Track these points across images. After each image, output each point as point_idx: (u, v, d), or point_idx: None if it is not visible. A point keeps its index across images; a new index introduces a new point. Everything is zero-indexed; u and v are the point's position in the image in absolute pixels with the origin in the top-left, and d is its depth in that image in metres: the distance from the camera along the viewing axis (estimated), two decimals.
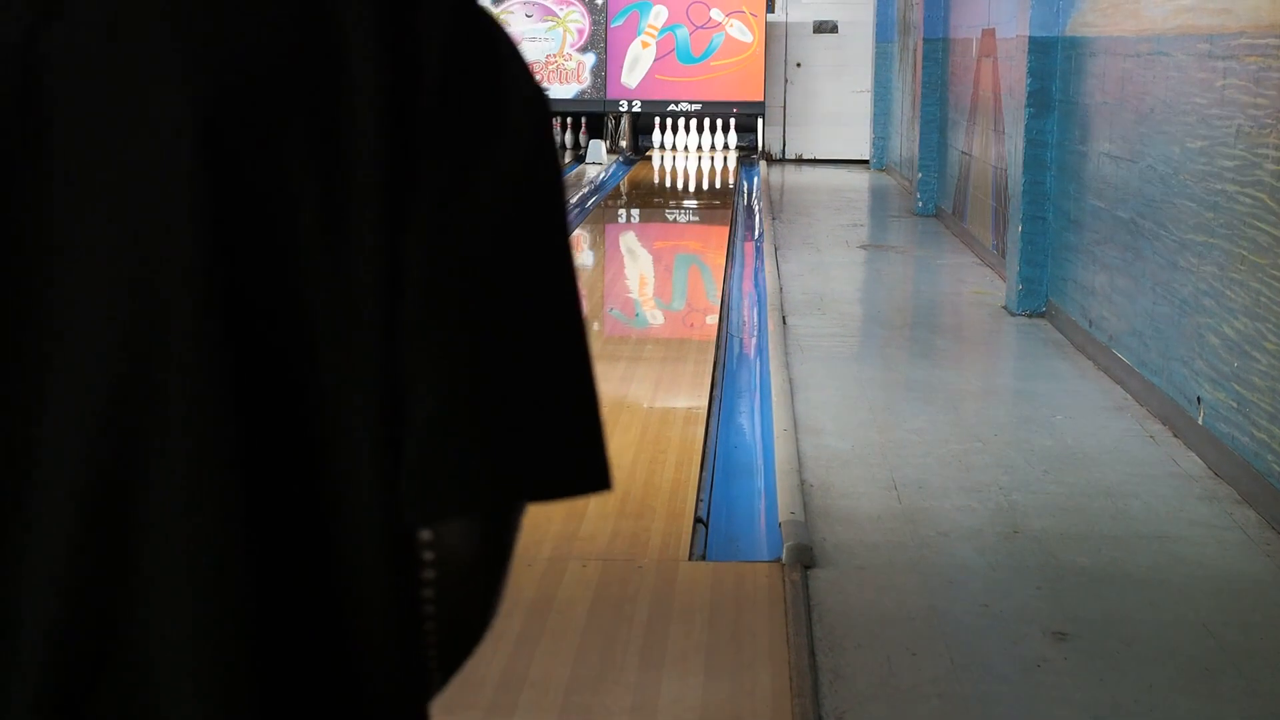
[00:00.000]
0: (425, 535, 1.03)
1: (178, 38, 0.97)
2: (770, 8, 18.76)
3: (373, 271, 0.99)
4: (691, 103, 18.48)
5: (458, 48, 1.03)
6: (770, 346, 7.19)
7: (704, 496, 4.99)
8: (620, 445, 5.52)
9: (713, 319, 8.25)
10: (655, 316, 8.93)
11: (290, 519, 0.99)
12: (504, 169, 1.02)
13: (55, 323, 0.96)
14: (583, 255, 11.62)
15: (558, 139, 0.92)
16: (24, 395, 0.97)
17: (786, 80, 19.08)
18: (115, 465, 0.96)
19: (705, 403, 6.23)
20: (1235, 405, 5.10)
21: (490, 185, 1.01)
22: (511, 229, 1.02)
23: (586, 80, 18.48)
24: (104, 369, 0.96)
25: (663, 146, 18.80)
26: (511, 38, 1.08)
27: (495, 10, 18.53)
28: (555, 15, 18.47)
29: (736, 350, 7.48)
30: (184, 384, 0.96)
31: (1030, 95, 8.17)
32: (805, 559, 4.28)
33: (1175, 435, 5.74)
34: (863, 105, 18.52)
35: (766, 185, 15.58)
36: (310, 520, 0.99)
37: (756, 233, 12.04)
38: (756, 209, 13.70)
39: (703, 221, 13.89)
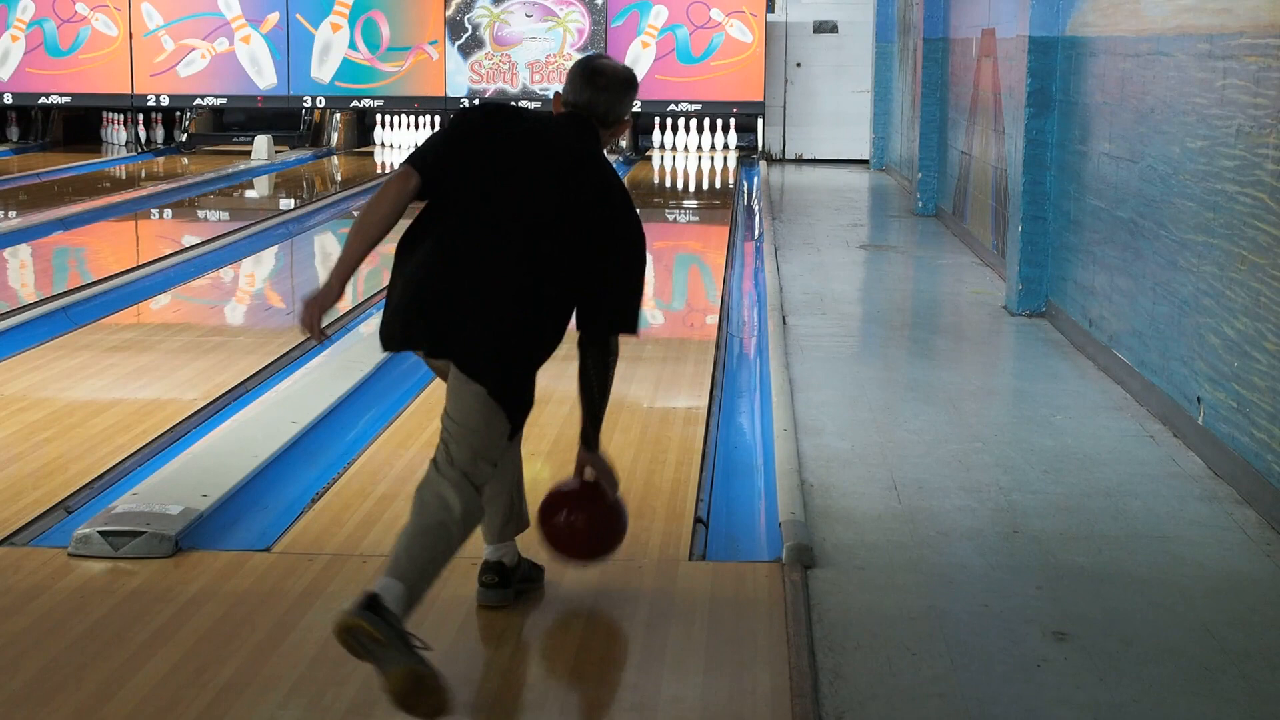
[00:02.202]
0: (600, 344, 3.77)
1: (548, 158, 3.72)
2: (770, 8, 18.76)
3: (578, 256, 3.67)
4: (691, 103, 18.48)
5: (605, 177, 3.78)
6: (770, 346, 7.19)
7: (704, 496, 4.99)
8: (620, 445, 5.52)
9: (713, 319, 8.25)
10: (655, 316, 8.93)
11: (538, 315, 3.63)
12: (626, 226, 3.75)
13: (503, 215, 3.63)
14: None
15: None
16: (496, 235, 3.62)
17: (786, 80, 19.09)
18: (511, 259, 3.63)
19: (705, 403, 6.23)
20: (1235, 405, 5.10)
21: (623, 232, 3.74)
22: (629, 249, 3.74)
23: None
24: (515, 238, 3.61)
25: (663, 146, 18.80)
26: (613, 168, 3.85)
27: (495, 10, 18.52)
28: (555, 15, 18.47)
29: (736, 350, 7.48)
30: (521, 253, 3.61)
31: (1030, 95, 8.17)
32: (805, 559, 4.28)
33: (1175, 435, 5.74)
34: (863, 105, 18.52)
35: (766, 185, 15.58)
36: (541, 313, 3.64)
37: (756, 233, 12.04)
38: (756, 209, 13.70)
39: (703, 221, 13.89)
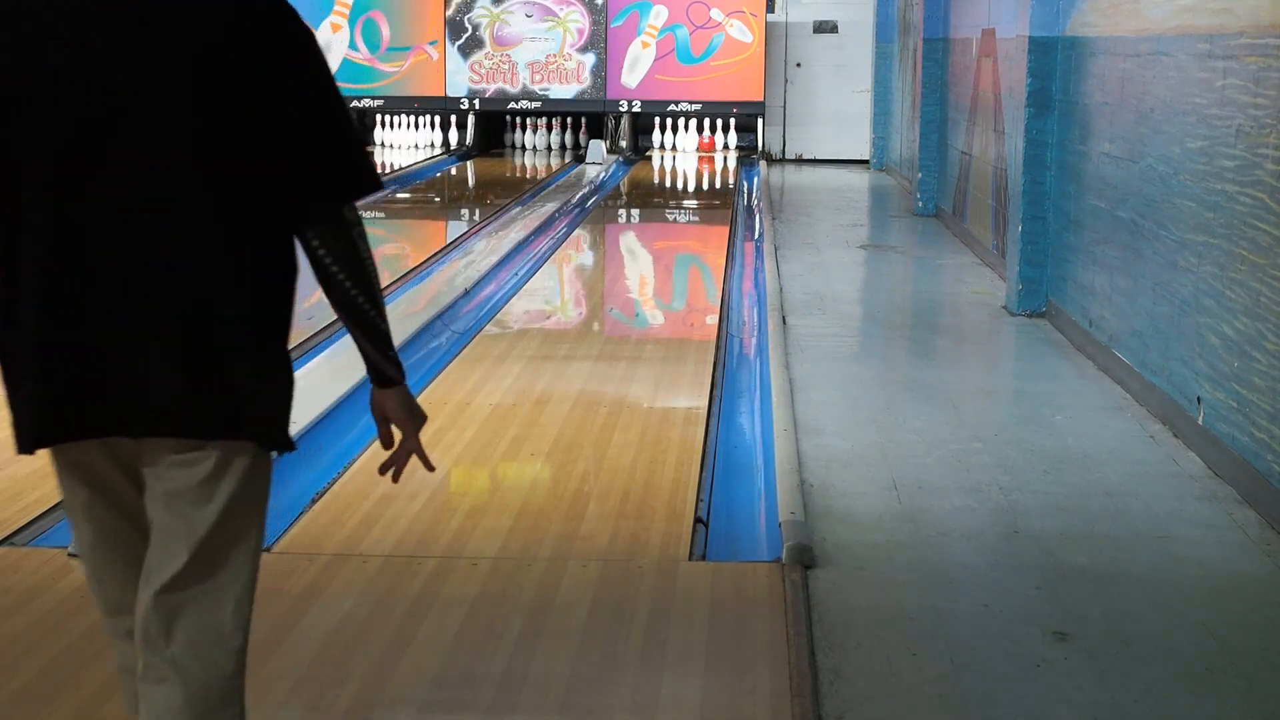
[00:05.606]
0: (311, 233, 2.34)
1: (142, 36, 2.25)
2: (770, 8, 18.76)
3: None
4: (691, 103, 18.48)
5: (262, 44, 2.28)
6: (770, 346, 7.19)
7: (704, 496, 4.99)
8: (620, 445, 5.52)
9: (713, 319, 8.25)
10: (655, 316, 8.93)
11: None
12: (307, 79, 2.32)
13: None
14: (583, 255, 11.63)
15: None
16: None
17: (786, 80, 19.09)
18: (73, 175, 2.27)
19: (705, 403, 6.23)
20: (1235, 405, 5.10)
21: (306, 87, 2.33)
22: (318, 94, 2.32)
23: (586, 80, 18.48)
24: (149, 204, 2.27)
25: (663, 146, 18.80)
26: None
27: (495, 10, 18.51)
28: (555, 15, 18.47)
29: (736, 350, 7.48)
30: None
31: (1030, 95, 8.17)
32: (805, 559, 4.28)
33: (1175, 435, 5.74)
34: (863, 105, 18.52)
35: (766, 185, 15.58)
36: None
37: (756, 233, 12.04)
38: (756, 209, 13.70)
39: (703, 221, 13.89)
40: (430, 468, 2.60)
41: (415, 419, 2.51)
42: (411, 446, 2.52)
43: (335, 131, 2.34)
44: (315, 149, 2.32)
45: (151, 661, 2.33)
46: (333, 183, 2.33)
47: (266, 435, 2.36)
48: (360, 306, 2.36)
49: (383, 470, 2.53)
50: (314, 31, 2.35)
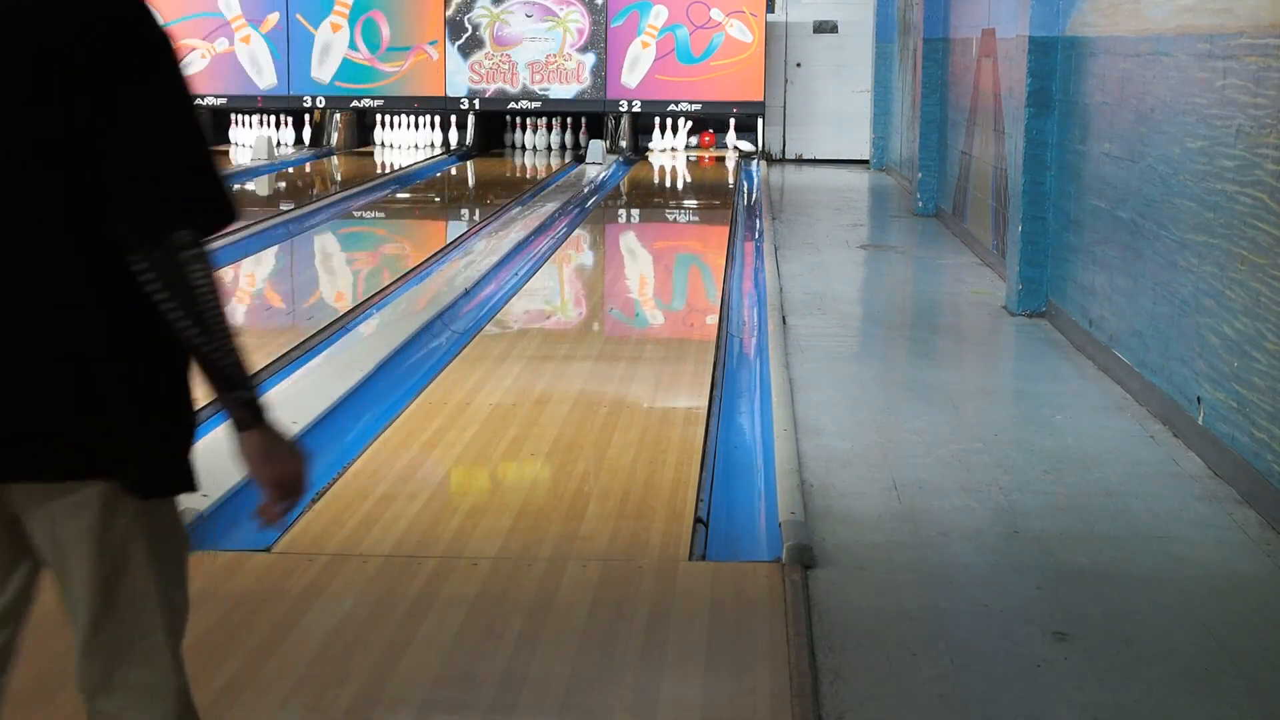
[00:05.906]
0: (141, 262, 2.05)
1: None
2: (770, 8, 18.75)
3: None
4: (691, 103, 18.48)
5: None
6: (770, 346, 7.19)
7: (704, 496, 4.99)
8: (620, 445, 5.52)
9: (713, 319, 8.25)
10: (655, 316, 8.93)
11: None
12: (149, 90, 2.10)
13: None
14: (583, 255, 11.63)
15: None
16: None
17: (786, 80, 19.08)
18: None
19: (705, 403, 6.23)
20: (1235, 405, 5.10)
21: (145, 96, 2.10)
22: (155, 102, 2.10)
23: (586, 80, 18.48)
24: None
25: (662, 146, 18.79)
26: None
27: (495, 10, 18.50)
28: (555, 15, 18.46)
29: (736, 350, 7.48)
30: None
31: (1030, 95, 8.17)
32: (805, 559, 4.28)
33: (1175, 435, 5.74)
34: (863, 105, 18.52)
35: (766, 185, 15.58)
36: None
37: (756, 233, 12.04)
38: (756, 209, 13.70)
39: (703, 221, 13.89)
40: (274, 521, 2.27)
41: (271, 466, 2.19)
42: (265, 499, 2.22)
43: (174, 149, 2.08)
44: (148, 165, 2.06)
45: (99, 708, 2.26)
46: (160, 206, 2.06)
47: (147, 477, 2.14)
48: (192, 339, 2.08)
49: (253, 515, 2.29)
50: (172, 40, 2.13)
